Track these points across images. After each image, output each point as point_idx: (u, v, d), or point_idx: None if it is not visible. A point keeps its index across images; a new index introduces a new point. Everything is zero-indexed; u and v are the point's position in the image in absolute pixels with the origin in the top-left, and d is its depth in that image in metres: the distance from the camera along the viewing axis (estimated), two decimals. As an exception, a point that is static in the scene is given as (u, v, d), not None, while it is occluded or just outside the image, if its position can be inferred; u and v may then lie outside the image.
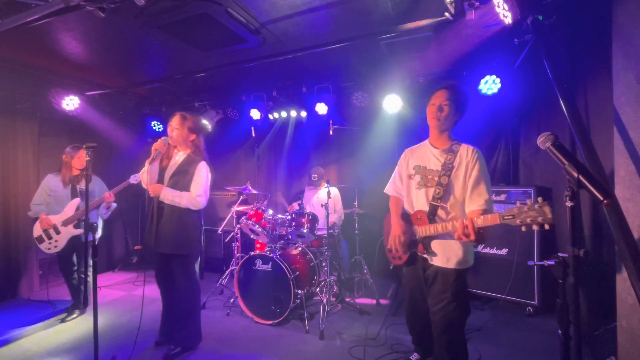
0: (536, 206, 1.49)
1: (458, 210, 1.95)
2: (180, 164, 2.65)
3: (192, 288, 2.69)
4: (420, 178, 2.06)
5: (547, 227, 1.46)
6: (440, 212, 1.97)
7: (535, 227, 1.50)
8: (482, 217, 1.70)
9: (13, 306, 3.89)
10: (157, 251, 2.62)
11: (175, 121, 2.63)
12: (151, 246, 2.60)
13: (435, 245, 1.98)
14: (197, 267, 2.73)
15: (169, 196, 2.54)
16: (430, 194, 1.99)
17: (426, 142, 2.16)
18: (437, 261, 1.98)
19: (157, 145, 2.54)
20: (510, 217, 1.57)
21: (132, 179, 3.35)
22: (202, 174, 2.62)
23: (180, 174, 2.60)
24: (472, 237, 1.68)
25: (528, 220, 1.50)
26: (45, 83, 4.13)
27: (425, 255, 2.03)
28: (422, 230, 1.99)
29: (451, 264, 1.94)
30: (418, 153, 2.17)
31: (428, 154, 2.09)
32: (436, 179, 1.98)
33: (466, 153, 1.95)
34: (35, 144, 4.41)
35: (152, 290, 4.30)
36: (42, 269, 4.45)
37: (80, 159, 3.44)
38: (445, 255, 1.95)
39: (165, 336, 2.85)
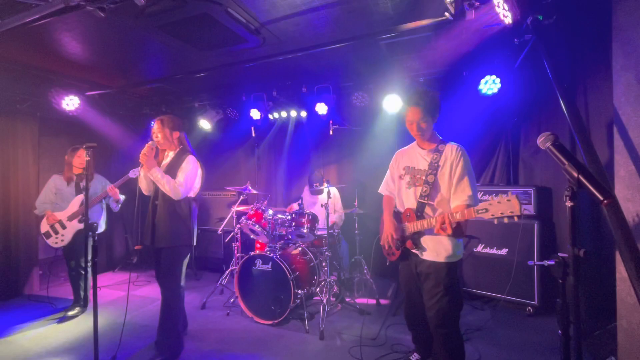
0: (506, 199, 1.60)
1: (445, 207, 2.04)
2: (169, 162, 2.72)
3: (173, 289, 2.64)
4: (409, 178, 2.16)
5: (515, 219, 1.59)
6: (428, 209, 2.06)
7: (506, 220, 1.62)
8: (459, 212, 1.81)
9: (13, 305, 3.90)
10: (154, 247, 2.65)
11: (155, 127, 2.72)
12: (148, 245, 2.64)
13: (425, 240, 2.07)
14: (183, 267, 2.68)
15: (157, 174, 2.54)
16: (418, 192, 2.09)
17: (414, 143, 2.27)
18: (427, 256, 2.07)
19: (144, 150, 2.58)
20: (483, 210, 1.68)
21: (132, 173, 3.38)
22: (189, 166, 2.65)
23: (171, 171, 2.65)
24: (449, 231, 1.80)
25: (499, 213, 1.62)
26: (45, 83, 4.13)
27: (415, 251, 2.11)
28: (410, 227, 2.08)
29: (441, 258, 2.02)
30: (408, 154, 2.27)
31: (416, 155, 2.20)
32: (423, 177, 2.08)
33: (450, 152, 2.05)
34: (35, 144, 4.41)
35: (152, 290, 4.32)
36: (42, 269, 4.46)
37: (80, 157, 3.58)
38: (435, 250, 2.04)
39: None
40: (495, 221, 1.65)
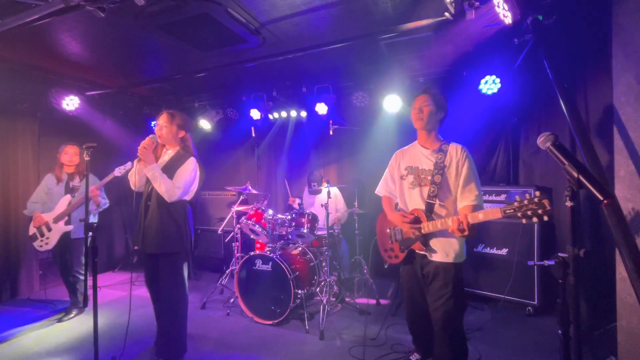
0: (536, 199, 1.57)
1: (451, 206, 2.05)
2: (168, 161, 2.54)
3: (178, 294, 2.52)
4: (413, 178, 2.15)
5: (545, 218, 1.52)
6: (437, 209, 2.05)
7: (535, 220, 1.56)
8: (482, 212, 1.79)
9: (13, 306, 3.90)
10: (146, 252, 2.49)
11: (163, 119, 2.53)
12: (139, 248, 2.47)
13: (434, 242, 2.06)
14: (185, 271, 2.55)
15: (155, 172, 2.38)
16: (425, 193, 2.08)
17: (415, 143, 2.25)
18: (437, 257, 2.05)
19: (145, 143, 2.40)
20: (511, 210, 1.64)
21: (117, 171, 3.24)
22: (189, 168, 2.49)
23: (169, 171, 2.47)
24: (467, 232, 1.80)
25: (529, 212, 1.57)
26: (45, 83, 4.13)
27: (423, 252, 2.08)
28: (424, 228, 2.05)
29: (450, 259, 2.02)
30: (409, 154, 2.25)
31: (419, 155, 2.18)
32: (429, 177, 2.07)
33: (455, 152, 2.06)
34: (35, 144, 4.41)
35: (152, 290, 4.33)
36: (42, 269, 4.45)
37: (67, 154, 3.49)
38: (445, 250, 2.03)
39: None
40: (524, 220, 1.60)
